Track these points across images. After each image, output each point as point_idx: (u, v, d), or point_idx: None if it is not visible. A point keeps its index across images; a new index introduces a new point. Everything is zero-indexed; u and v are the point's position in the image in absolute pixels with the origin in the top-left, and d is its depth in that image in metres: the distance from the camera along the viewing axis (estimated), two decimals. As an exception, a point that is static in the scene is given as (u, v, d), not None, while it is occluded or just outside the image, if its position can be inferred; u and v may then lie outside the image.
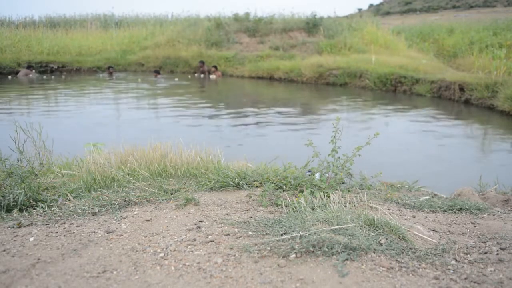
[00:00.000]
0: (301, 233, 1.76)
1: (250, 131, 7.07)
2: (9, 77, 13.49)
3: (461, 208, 2.48)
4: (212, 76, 14.21)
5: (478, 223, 2.22)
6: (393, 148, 6.01)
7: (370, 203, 2.32)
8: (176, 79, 13.96)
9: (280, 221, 1.96)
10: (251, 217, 2.08)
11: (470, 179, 3.59)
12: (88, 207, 2.24)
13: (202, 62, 14.70)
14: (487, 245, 1.87)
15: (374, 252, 1.67)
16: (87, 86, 12.73)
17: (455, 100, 9.71)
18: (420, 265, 1.62)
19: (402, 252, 1.71)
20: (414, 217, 2.29)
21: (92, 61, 15.76)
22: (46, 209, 2.27)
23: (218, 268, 1.57)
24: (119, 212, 2.19)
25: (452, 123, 8.00)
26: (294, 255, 1.62)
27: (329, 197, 2.30)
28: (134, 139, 3.50)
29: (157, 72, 14.30)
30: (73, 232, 1.91)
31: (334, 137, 2.53)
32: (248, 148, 5.79)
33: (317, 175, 2.57)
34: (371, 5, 56.12)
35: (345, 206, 2.18)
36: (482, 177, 3.40)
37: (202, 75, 14.60)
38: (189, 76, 14.59)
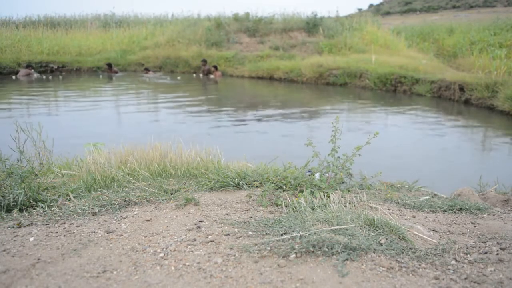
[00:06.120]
0: (301, 233, 1.76)
1: (250, 131, 7.07)
2: (13, 77, 13.49)
3: (461, 208, 2.48)
4: (211, 76, 14.23)
5: (478, 223, 2.22)
6: (393, 148, 6.01)
7: (370, 203, 2.32)
8: (179, 77, 14.02)
9: (280, 221, 1.96)
10: (251, 217, 2.08)
11: (470, 179, 3.59)
12: (88, 207, 2.24)
13: (205, 61, 14.69)
14: (487, 245, 1.87)
15: (374, 252, 1.67)
16: (87, 86, 12.73)
17: (455, 100, 9.71)
18: (420, 265, 1.62)
19: (402, 252, 1.71)
20: (414, 217, 2.29)
21: (92, 61, 15.75)
22: (46, 209, 2.27)
23: (218, 268, 1.56)
24: (119, 212, 2.19)
25: (452, 123, 8.00)
26: (294, 255, 1.62)
27: (329, 197, 2.30)
28: (134, 139, 3.50)
29: (147, 70, 14.59)
30: (73, 232, 1.91)
31: (333, 136, 2.53)
32: (248, 148, 5.79)
33: (317, 175, 2.57)
34: (371, 5, 56.11)
35: (345, 206, 2.18)
36: (482, 177, 3.40)
37: (202, 74, 14.61)
38: (194, 75, 14.62)
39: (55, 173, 3.08)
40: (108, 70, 14.84)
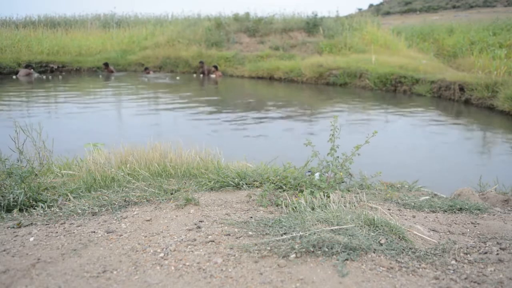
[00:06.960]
0: (301, 233, 1.76)
1: (250, 131, 7.07)
2: (14, 77, 13.50)
3: (461, 208, 2.48)
4: (212, 76, 14.28)
5: (478, 223, 2.22)
6: (393, 148, 6.01)
7: (370, 203, 2.32)
8: (178, 77, 14.04)
9: (280, 221, 1.96)
10: (251, 217, 2.08)
11: (470, 179, 3.59)
12: (88, 207, 2.24)
13: (202, 62, 14.77)
14: (487, 245, 1.87)
15: (374, 252, 1.67)
16: (87, 86, 12.73)
17: (455, 100, 9.71)
18: (420, 265, 1.62)
19: (402, 252, 1.71)
20: (414, 217, 2.29)
21: (92, 61, 15.76)
22: (46, 209, 2.27)
23: (218, 268, 1.57)
24: (119, 212, 2.19)
25: (452, 123, 8.00)
26: (294, 255, 1.62)
27: (329, 197, 2.30)
28: (134, 139, 3.50)
29: (147, 70, 14.80)
30: (73, 232, 1.91)
31: (332, 135, 2.53)
32: (248, 148, 5.79)
33: (317, 175, 2.57)
34: (371, 5, 56.08)
35: (345, 206, 2.18)
36: (482, 177, 3.40)
37: (201, 75, 14.65)
38: (194, 75, 14.65)
39: (55, 173, 3.08)
40: (105, 69, 14.89)
